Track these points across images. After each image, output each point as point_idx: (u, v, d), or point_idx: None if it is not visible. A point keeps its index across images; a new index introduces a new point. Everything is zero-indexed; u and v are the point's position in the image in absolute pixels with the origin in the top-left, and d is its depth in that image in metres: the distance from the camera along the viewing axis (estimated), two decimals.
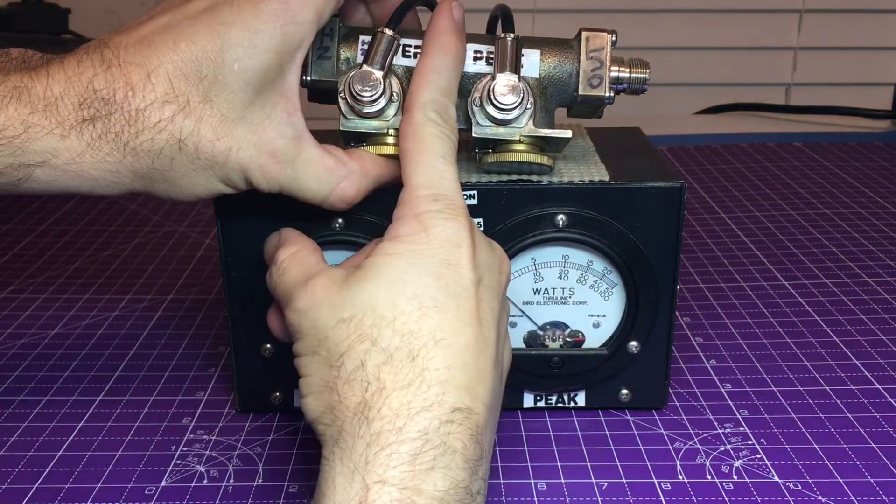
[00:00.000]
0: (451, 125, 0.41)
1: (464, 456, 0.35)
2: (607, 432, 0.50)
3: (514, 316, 0.50)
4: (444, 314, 0.36)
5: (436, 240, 0.38)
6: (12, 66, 0.41)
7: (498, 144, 0.46)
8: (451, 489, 0.34)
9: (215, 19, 0.39)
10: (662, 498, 0.45)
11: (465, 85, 0.46)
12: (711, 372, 0.56)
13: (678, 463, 0.47)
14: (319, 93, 0.47)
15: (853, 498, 0.44)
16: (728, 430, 0.50)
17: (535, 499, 0.45)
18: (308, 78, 0.46)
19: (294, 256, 0.42)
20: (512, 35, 0.45)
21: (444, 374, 0.35)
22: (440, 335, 0.36)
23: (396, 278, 0.37)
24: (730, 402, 0.53)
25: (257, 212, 0.47)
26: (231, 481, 0.46)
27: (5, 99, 0.38)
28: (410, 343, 0.36)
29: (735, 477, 0.46)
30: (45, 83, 0.39)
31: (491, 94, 0.44)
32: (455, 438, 0.34)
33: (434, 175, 0.40)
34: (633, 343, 0.50)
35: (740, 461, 0.47)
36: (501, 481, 0.46)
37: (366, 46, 0.45)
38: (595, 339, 0.50)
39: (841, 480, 0.45)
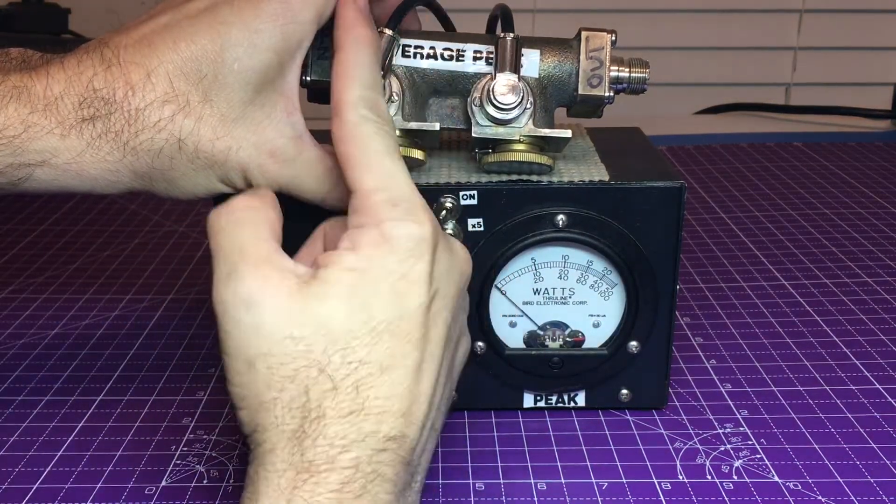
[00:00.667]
0: (386, 119, 0.39)
1: (393, 482, 0.34)
2: (607, 432, 0.50)
3: (514, 316, 0.50)
4: (394, 338, 0.35)
5: (398, 251, 0.36)
6: (12, 65, 0.41)
7: (498, 144, 0.46)
8: None
9: (215, 19, 0.40)
10: (662, 498, 0.45)
11: (465, 85, 0.46)
12: (711, 372, 0.56)
13: (678, 463, 0.47)
14: (319, 93, 0.47)
15: (853, 498, 0.44)
16: (728, 430, 0.50)
17: (535, 499, 0.45)
18: (308, 78, 0.46)
19: (256, 214, 0.38)
20: (512, 35, 0.45)
21: (384, 403, 0.35)
22: (387, 362, 0.35)
23: (355, 300, 0.35)
24: (730, 402, 0.53)
25: None
26: (231, 481, 0.46)
27: (5, 99, 0.38)
28: (357, 372, 0.34)
29: (735, 477, 0.46)
30: (45, 83, 0.39)
31: (491, 93, 0.44)
32: (386, 466, 0.34)
33: (384, 176, 0.37)
34: (633, 343, 0.50)
35: (740, 461, 0.47)
36: (501, 481, 0.46)
37: None
38: (595, 339, 0.50)
39: (841, 480, 0.45)
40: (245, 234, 0.37)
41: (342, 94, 0.39)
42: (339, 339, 0.34)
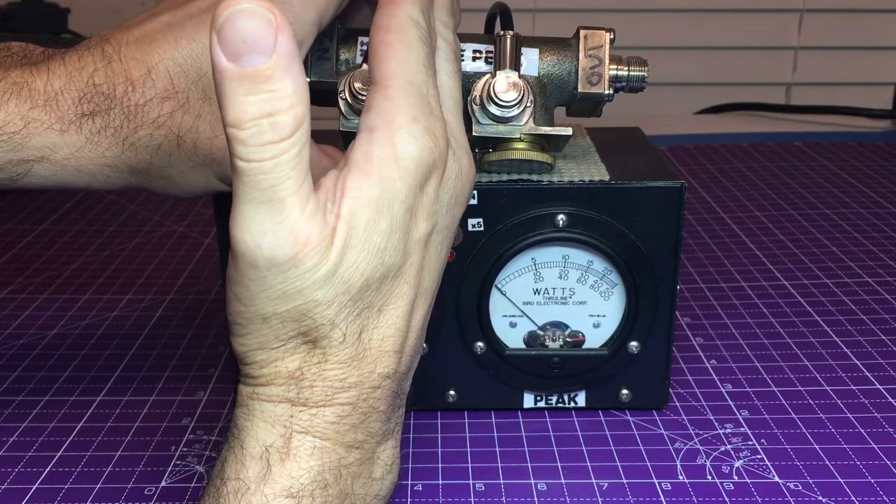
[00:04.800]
0: (433, 35, 0.36)
1: (385, 412, 0.35)
2: (607, 432, 0.50)
3: (514, 316, 0.50)
4: (396, 280, 0.34)
5: (406, 176, 0.33)
6: (13, 60, 0.41)
7: (498, 143, 0.46)
8: (368, 439, 0.35)
9: None
10: (663, 498, 0.45)
11: (465, 84, 0.46)
12: (711, 372, 0.56)
13: (678, 463, 0.47)
14: (319, 94, 0.47)
15: (853, 498, 0.44)
16: (728, 430, 0.50)
17: (535, 499, 0.45)
18: (307, 79, 0.45)
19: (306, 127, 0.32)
20: (511, 32, 0.45)
21: (381, 345, 0.34)
22: (386, 304, 0.34)
23: (371, 246, 0.33)
24: (730, 402, 0.53)
25: None
26: None
27: (6, 95, 0.38)
28: (362, 318, 0.34)
29: (735, 477, 0.46)
30: (46, 78, 0.39)
31: (491, 91, 0.44)
32: (380, 401, 0.35)
33: (416, 83, 0.34)
34: (634, 343, 0.50)
35: (740, 461, 0.47)
36: (501, 481, 0.46)
37: (365, 47, 0.45)
38: (595, 339, 0.50)
39: (841, 480, 0.45)
40: (287, 184, 0.32)
41: None
42: (356, 294, 0.33)
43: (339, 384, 0.34)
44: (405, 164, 0.33)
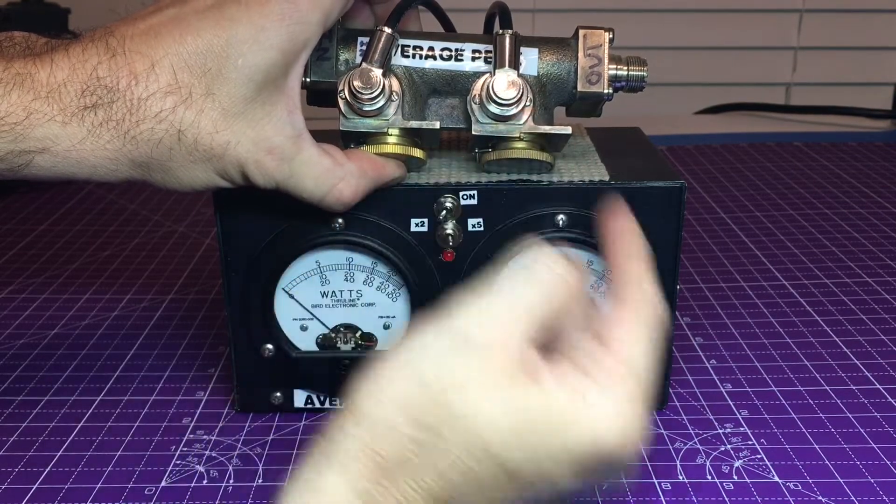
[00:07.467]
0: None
1: None
2: None
3: None
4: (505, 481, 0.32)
5: (572, 442, 0.32)
6: (16, 51, 0.41)
7: (498, 142, 0.46)
8: None
9: (223, 15, 0.40)
10: (662, 498, 0.45)
11: (464, 84, 0.46)
12: (711, 372, 0.56)
13: (678, 463, 0.47)
14: (319, 94, 0.47)
15: (853, 498, 0.44)
16: (728, 430, 0.50)
17: None
18: (307, 79, 0.46)
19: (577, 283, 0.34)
20: (510, 31, 0.45)
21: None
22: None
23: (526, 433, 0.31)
24: (730, 402, 0.53)
25: (258, 212, 0.47)
26: (231, 481, 0.46)
27: (9, 86, 0.38)
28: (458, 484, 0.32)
29: (735, 477, 0.46)
30: (49, 70, 0.39)
31: (491, 90, 0.44)
32: None
33: (640, 359, 0.33)
34: None
35: (740, 461, 0.47)
36: None
37: (364, 48, 0.45)
38: None
39: (841, 480, 0.45)
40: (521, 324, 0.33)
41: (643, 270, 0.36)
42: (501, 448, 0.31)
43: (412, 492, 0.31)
44: (588, 429, 0.32)
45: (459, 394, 0.31)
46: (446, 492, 0.31)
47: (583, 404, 0.32)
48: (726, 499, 0.44)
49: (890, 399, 0.53)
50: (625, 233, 0.37)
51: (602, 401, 0.32)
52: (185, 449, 0.49)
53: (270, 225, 0.48)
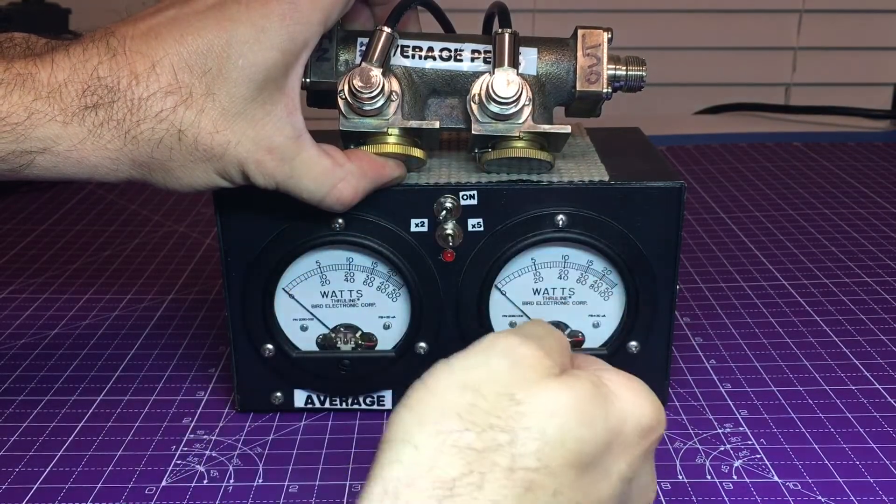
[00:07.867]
0: None
1: None
2: None
3: (514, 316, 0.50)
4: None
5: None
6: (16, 51, 0.41)
7: (498, 142, 0.46)
8: None
9: (223, 15, 0.40)
10: (662, 498, 0.45)
11: (464, 84, 0.46)
12: (711, 372, 0.56)
13: (678, 463, 0.47)
14: (319, 95, 0.47)
15: (853, 498, 0.44)
16: (728, 430, 0.50)
17: None
18: (307, 80, 0.46)
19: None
20: (509, 30, 0.45)
21: None
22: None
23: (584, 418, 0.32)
24: (730, 402, 0.53)
25: (258, 212, 0.47)
26: (231, 481, 0.46)
27: (10, 86, 0.39)
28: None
29: (735, 477, 0.46)
30: (50, 70, 0.39)
31: (490, 89, 0.44)
32: None
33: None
34: (633, 343, 0.50)
35: (740, 461, 0.47)
36: None
37: (364, 48, 0.46)
38: (595, 339, 0.50)
39: (841, 480, 0.45)
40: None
41: None
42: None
43: None
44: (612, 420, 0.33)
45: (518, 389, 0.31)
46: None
47: (615, 386, 0.33)
48: (726, 499, 0.44)
49: (889, 399, 0.53)
50: None
51: (627, 381, 0.34)
52: (186, 449, 0.49)
53: (270, 225, 0.48)
